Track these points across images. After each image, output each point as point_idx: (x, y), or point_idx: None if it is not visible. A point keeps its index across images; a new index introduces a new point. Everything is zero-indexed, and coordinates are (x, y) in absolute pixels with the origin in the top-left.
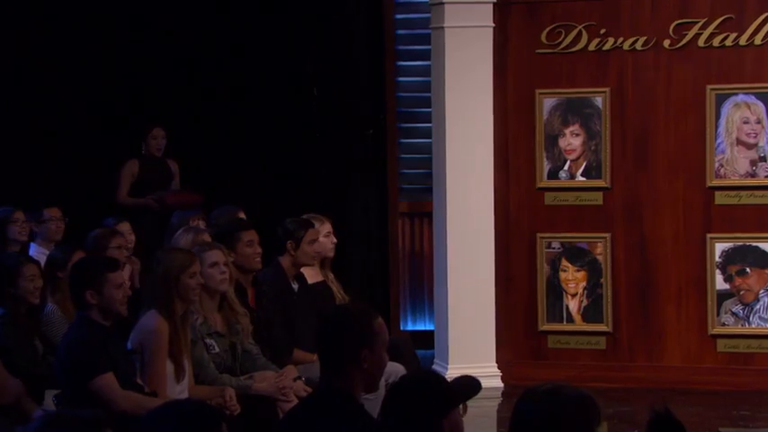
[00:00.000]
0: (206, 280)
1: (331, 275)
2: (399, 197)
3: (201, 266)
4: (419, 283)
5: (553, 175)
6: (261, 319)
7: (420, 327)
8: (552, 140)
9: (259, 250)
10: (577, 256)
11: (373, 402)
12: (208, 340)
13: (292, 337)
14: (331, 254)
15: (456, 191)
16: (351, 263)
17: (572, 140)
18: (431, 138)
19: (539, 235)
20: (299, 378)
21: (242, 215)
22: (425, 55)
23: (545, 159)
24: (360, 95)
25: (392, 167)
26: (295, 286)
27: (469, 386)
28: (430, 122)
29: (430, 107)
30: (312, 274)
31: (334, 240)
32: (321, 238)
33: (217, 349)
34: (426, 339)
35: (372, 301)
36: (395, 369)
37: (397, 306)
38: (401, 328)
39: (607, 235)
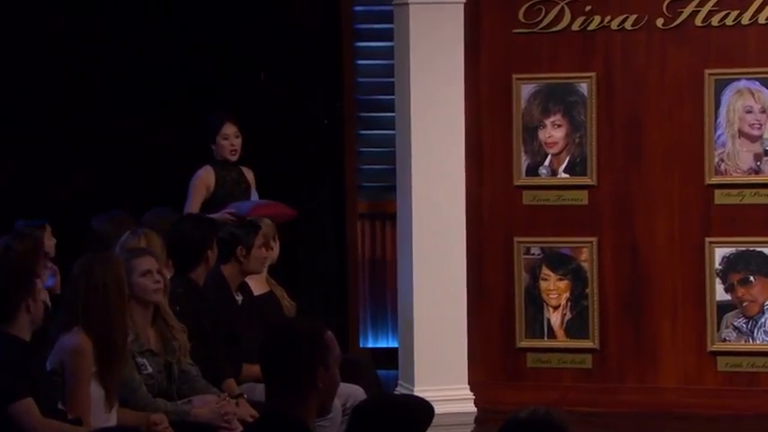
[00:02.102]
0: (137, 290)
1: (273, 282)
2: (358, 196)
3: (132, 275)
4: (381, 294)
5: (532, 171)
6: (205, 334)
7: (382, 344)
8: (531, 132)
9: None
10: (560, 263)
11: (328, 430)
12: (139, 359)
13: (238, 355)
14: (275, 260)
15: (423, 189)
16: (303, 271)
17: (553, 132)
18: (394, 129)
19: (516, 239)
20: (241, 395)
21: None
22: (388, 35)
23: (523, 154)
24: (313, 80)
25: (350, 163)
26: (239, 298)
27: (427, 411)
28: (393, 112)
29: (393, 94)
30: (257, 284)
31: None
32: (271, 243)
33: (150, 369)
34: (389, 358)
35: (327, 315)
36: (353, 392)
37: (356, 320)
38: (360, 346)
39: (593, 239)
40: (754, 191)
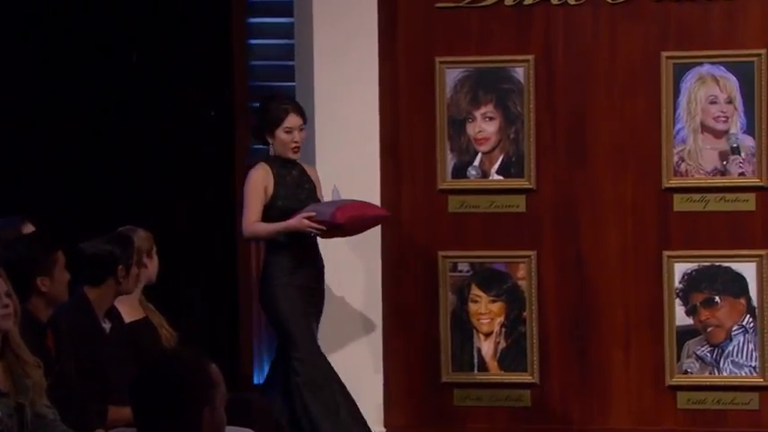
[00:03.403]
0: None
1: (150, 306)
2: None
3: None
4: None
5: (460, 172)
6: (62, 370)
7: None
8: (458, 126)
9: (68, 276)
10: (492, 281)
11: None
12: None
13: (105, 396)
14: (153, 279)
15: (329, 195)
16: (185, 292)
17: (484, 126)
18: None
19: (441, 254)
20: None
21: (30, 228)
22: (287, 9)
23: (448, 152)
24: (197, 63)
25: (242, 162)
26: (106, 326)
27: None
28: None
29: (293, 80)
30: (128, 309)
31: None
32: (144, 259)
33: None
34: None
35: (214, 346)
36: None
37: (249, 351)
38: (255, 383)
39: (532, 253)
40: (720, 195)
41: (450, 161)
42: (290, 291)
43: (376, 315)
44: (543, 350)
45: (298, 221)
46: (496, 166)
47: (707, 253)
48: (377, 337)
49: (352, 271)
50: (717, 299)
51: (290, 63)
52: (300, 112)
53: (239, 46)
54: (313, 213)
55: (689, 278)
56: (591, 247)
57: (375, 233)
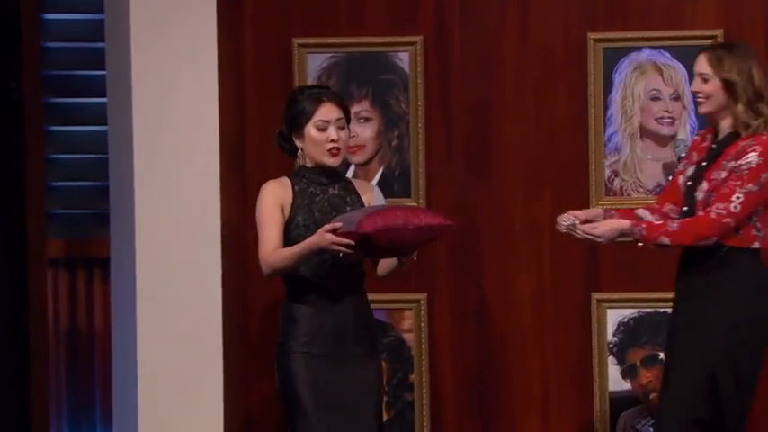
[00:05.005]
0: None
1: None
2: (48, 231)
3: None
4: (86, 379)
5: None
6: None
7: None
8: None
9: None
10: None
11: None
12: None
13: None
14: None
15: (152, 219)
16: None
17: (358, 129)
18: (105, 124)
19: None
20: None
21: None
22: None
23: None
24: None
25: (34, 177)
26: None
27: None
28: (103, 96)
29: (103, 68)
30: None
31: None
32: None
33: None
34: None
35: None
36: None
37: (45, 417)
38: None
39: (421, 297)
40: None
41: None
42: (311, 360)
43: (215, 378)
44: (437, 424)
45: (318, 237)
46: (375, 181)
47: (648, 296)
48: (216, 405)
49: (184, 321)
50: (661, 356)
51: (100, 45)
52: (338, 102)
53: (30, 23)
54: (339, 224)
55: (625, 329)
56: (498, 288)
57: (214, 271)
